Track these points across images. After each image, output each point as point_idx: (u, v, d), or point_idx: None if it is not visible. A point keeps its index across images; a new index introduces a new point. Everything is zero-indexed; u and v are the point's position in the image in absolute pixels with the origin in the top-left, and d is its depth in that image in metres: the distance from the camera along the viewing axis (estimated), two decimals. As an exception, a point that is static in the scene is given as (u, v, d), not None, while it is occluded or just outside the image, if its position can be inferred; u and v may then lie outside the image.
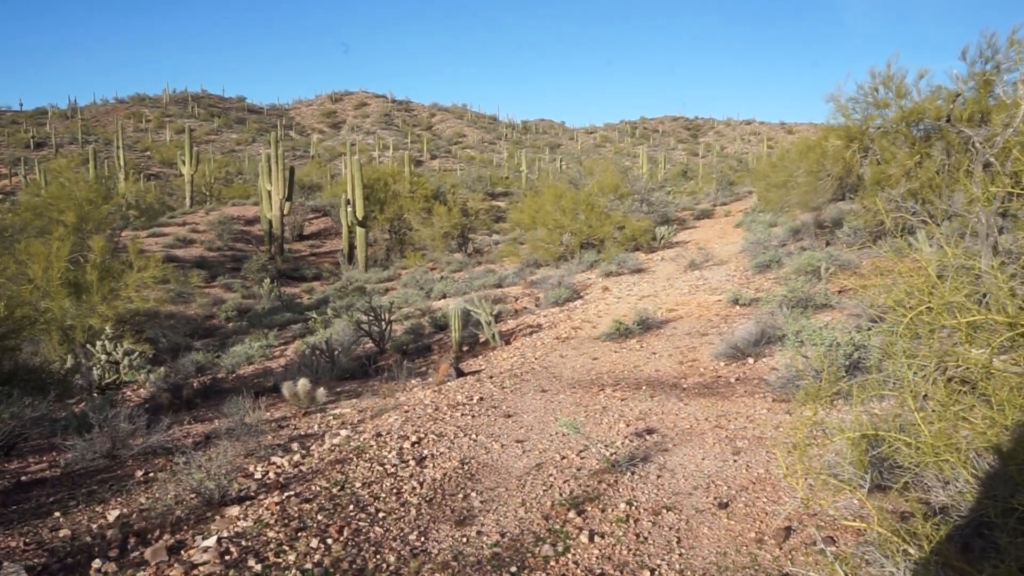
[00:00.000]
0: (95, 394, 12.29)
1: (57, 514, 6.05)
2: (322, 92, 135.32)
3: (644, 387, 9.28)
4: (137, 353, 13.48)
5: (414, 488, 6.38)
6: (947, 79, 13.92)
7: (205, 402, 11.40)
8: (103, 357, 12.96)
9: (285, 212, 33.65)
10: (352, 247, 31.83)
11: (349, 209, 31.23)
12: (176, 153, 55.98)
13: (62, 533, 5.64)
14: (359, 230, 30.86)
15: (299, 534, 5.48)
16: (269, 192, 32.99)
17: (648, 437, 7.31)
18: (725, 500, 5.68)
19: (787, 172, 19.43)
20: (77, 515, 6.04)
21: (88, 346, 13.56)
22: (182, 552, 5.23)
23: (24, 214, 21.93)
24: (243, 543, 5.34)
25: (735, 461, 6.42)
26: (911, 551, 3.81)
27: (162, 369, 13.61)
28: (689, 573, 4.71)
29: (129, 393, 12.77)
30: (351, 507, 5.98)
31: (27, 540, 5.52)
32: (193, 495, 6.20)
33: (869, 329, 8.25)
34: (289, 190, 33.46)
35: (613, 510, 5.66)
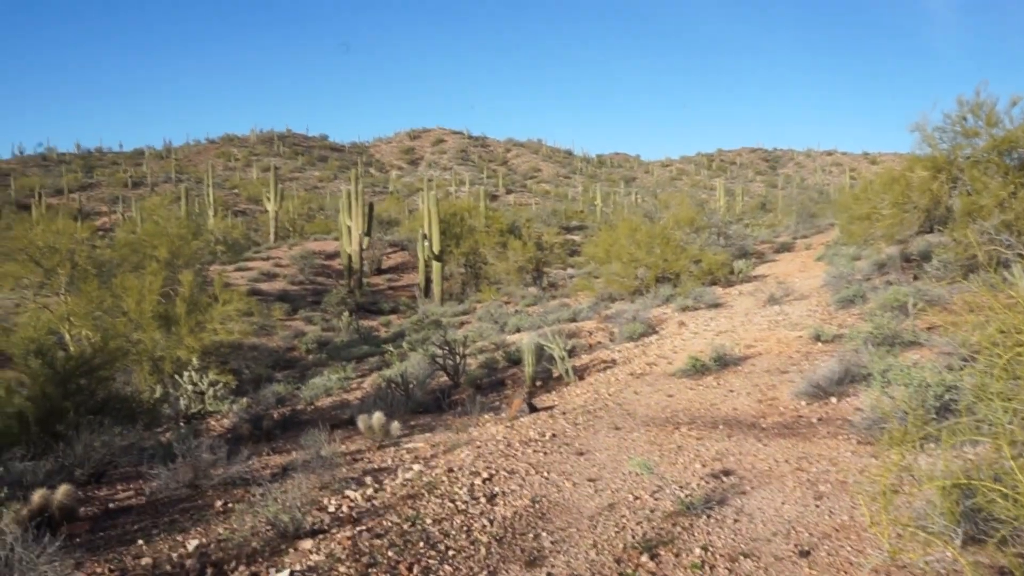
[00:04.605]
0: (181, 423, 12.74)
1: (140, 542, 6.25)
2: (401, 130, 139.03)
3: (721, 426, 9.03)
4: (221, 384, 13.94)
5: (484, 526, 6.34)
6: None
7: (284, 433, 11.66)
8: (189, 388, 13.43)
9: (364, 247, 34.48)
10: (428, 281, 32.30)
11: (426, 243, 31.77)
12: (262, 190, 58.22)
13: (144, 561, 5.81)
14: (435, 264, 31.32)
15: (369, 570, 5.50)
16: (349, 227, 33.89)
17: (725, 479, 7.10)
18: (806, 548, 5.44)
19: (871, 204, 18.81)
20: (159, 543, 6.23)
21: (176, 376, 14.09)
22: (257, 584, 5.32)
23: (121, 250, 23.08)
24: (315, 577, 5.40)
25: (817, 506, 6.15)
26: (1010, 611, 3.56)
27: (244, 400, 14.01)
28: (768, 625, 4.52)
29: (213, 423, 13.19)
30: (421, 544, 5.98)
31: (111, 567, 5.71)
32: (269, 527, 6.32)
33: (961, 369, 7.86)
34: (368, 225, 34.30)
35: (687, 555, 5.49)
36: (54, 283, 18.49)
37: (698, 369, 11.76)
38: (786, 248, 28.73)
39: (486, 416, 11.05)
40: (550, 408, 11.16)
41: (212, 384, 13.73)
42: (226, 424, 12.89)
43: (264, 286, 31.71)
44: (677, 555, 5.51)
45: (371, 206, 35.71)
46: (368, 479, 7.93)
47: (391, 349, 17.74)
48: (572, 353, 14.61)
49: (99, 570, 5.66)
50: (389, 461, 8.81)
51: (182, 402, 13.32)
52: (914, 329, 11.17)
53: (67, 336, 16.83)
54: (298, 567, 5.58)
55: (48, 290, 18.76)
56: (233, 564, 5.70)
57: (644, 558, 5.48)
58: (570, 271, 34.24)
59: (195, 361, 14.34)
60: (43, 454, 8.60)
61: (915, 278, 15.33)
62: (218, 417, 13.48)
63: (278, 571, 5.51)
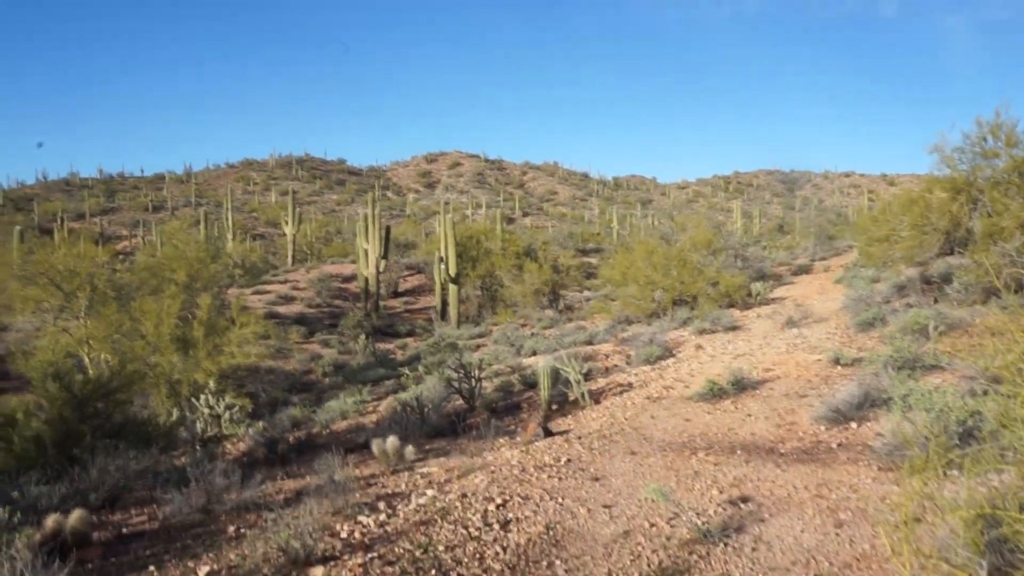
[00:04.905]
0: (197, 447, 12.76)
1: (152, 568, 6.22)
2: (418, 153, 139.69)
3: (739, 451, 8.91)
4: (237, 407, 13.97)
5: (497, 553, 6.26)
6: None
7: (299, 457, 11.62)
8: (206, 411, 13.47)
9: (381, 270, 34.61)
10: (445, 304, 32.34)
11: (442, 266, 31.86)
12: (280, 214, 58.70)
13: (156, 588, 5.78)
14: (452, 287, 31.37)
15: (381, 598, 5.43)
16: (366, 250, 34.07)
17: (743, 506, 6.98)
18: (826, 578, 5.32)
19: (890, 225, 18.63)
20: (171, 569, 6.20)
21: (193, 400, 14.13)
22: (267, 612, 5.26)
23: (140, 273, 23.31)
24: (326, 605, 5.33)
25: (837, 535, 6.03)
26: (1038, 647, 3.45)
27: (260, 423, 14.00)
28: (787, 658, 4.40)
29: (229, 447, 13.18)
30: (433, 572, 5.90)
31: (123, 594, 5.69)
32: (280, 553, 6.27)
33: (984, 394, 7.71)
34: (385, 248, 34.46)
35: (704, 584, 5.39)
36: (74, 306, 18.65)
37: (715, 393, 11.63)
38: (804, 270, 28.52)
39: (501, 440, 10.97)
40: (565, 432, 11.06)
41: (228, 407, 13.77)
42: (242, 448, 12.88)
43: (281, 309, 31.86)
44: (694, 585, 5.41)
45: (388, 229, 35.91)
46: (381, 504, 7.87)
47: (407, 372, 17.72)
48: (588, 376, 14.51)
49: (110, 596, 5.64)
50: (403, 486, 8.75)
51: (198, 425, 13.35)
52: (935, 353, 10.99)
53: (86, 359, 16.96)
54: (309, 594, 5.53)
55: (68, 313, 18.93)
56: (244, 591, 5.65)
57: (660, 587, 5.38)
58: (586, 293, 34.15)
59: (212, 384, 14.39)
60: (58, 478, 8.63)
61: (936, 301, 15.13)
62: (234, 441, 13.48)
63: (289, 598, 5.46)
